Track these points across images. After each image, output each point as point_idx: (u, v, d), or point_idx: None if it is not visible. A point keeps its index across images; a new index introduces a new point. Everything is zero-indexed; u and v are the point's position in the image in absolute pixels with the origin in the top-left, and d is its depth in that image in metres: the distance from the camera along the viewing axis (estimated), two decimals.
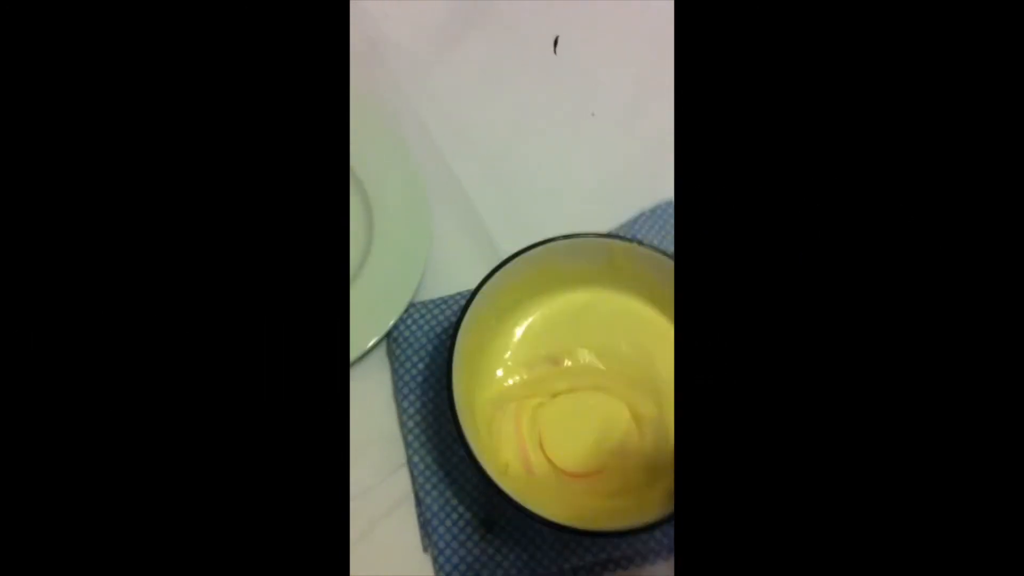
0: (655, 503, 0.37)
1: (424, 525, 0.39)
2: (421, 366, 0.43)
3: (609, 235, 0.45)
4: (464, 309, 0.39)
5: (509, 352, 0.42)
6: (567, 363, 0.42)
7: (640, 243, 0.42)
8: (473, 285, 0.45)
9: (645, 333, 0.43)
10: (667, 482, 0.38)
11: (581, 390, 0.42)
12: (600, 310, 0.44)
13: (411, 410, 0.42)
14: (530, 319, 0.43)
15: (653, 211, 0.50)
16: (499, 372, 0.42)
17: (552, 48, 0.55)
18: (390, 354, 0.44)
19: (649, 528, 0.34)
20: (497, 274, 0.40)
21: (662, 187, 0.50)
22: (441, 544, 0.38)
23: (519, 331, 0.43)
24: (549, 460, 0.39)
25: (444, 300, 0.45)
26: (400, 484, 0.40)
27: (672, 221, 0.49)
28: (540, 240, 0.41)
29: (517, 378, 0.42)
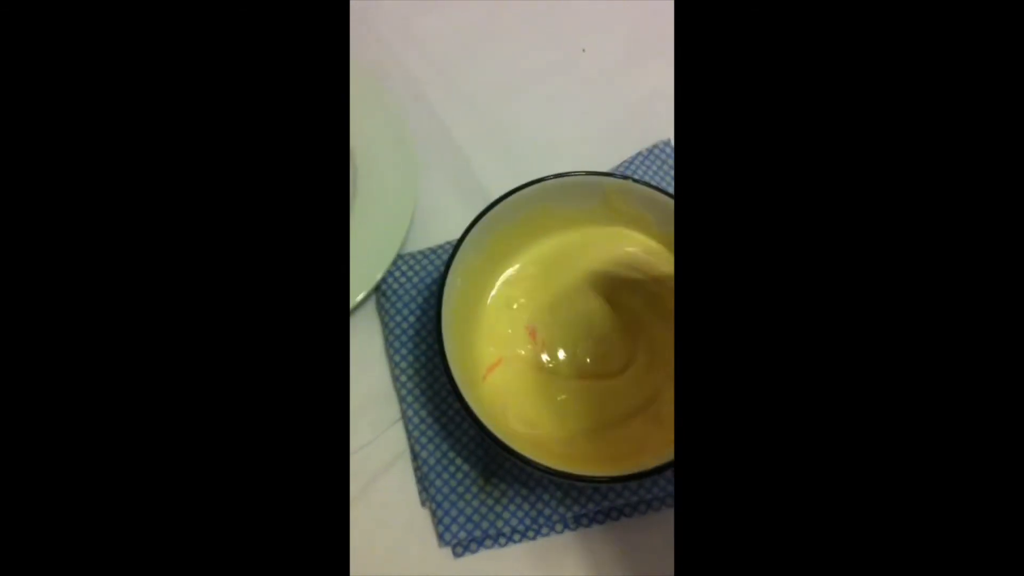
0: (656, 443, 0.36)
1: (421, 479, 0.38)
2: (412, 319, 0.42)
3: (602, 173, 0.43)
4: (452, 255, 0.37)
5: (503, 297, 0.41)
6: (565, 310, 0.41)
7: (635, 180, 0.40)
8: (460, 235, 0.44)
9: (645, 266, 0.41)
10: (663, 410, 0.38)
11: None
12: (596, 248, 0.42)
13: (403, 364, 0.41)
14: (523, 261, 0.42)
15: (650, 151, 0.48)
16: (493, 318, 0.40)
17: None
18: (379, 308, 0.43)
19: (650, 474, 0.33)
20: (486, 217, 0.39)
21: (659, 127, 0.48)
22: (439, 497, 0.37)
23: (512, 273, 0.42)
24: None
25: (433, 250, 0.44)
26: (396, 439, 0.39)
27: (670, 160, 0.48)
28: (530, 180, 0.40)
29: (513, 322, 0.41)
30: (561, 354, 0.40)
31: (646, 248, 0.42)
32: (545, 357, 0.40)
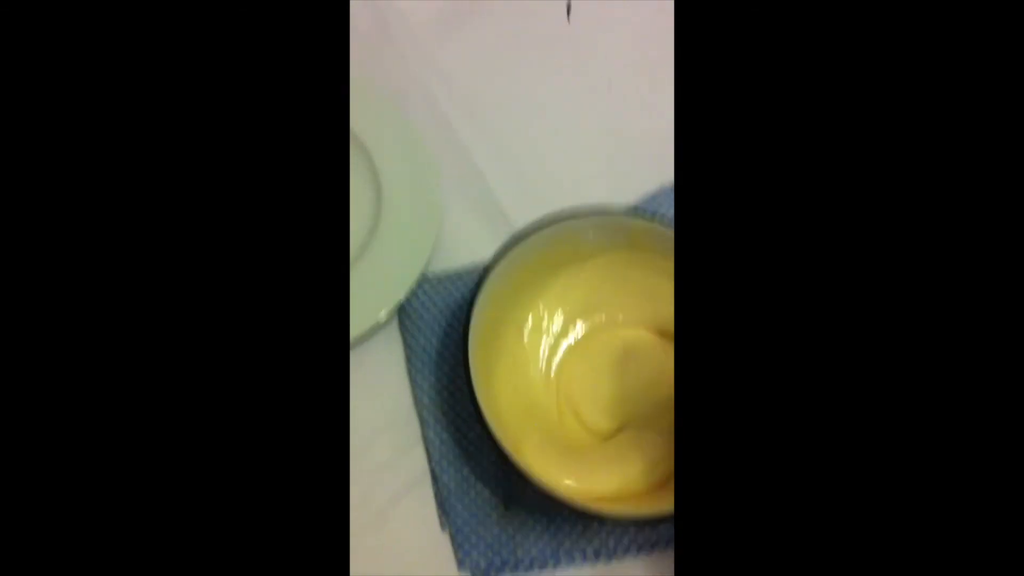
0: None
1: (441, 503, 0.37)
2: (435, 341, 0.42)
3: (629, 212, 0.43)
4: (479, 283, 0.37)
5: (529, 324, 0.41)
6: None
7: (661, 222, 0.40)
8: (485, 258, 0.43)
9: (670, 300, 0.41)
10: None
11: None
12: (624, 275, 0.42)
13: (425, 386, 0.40)
14: (549, 291, 0.42)
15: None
16: (518, 344, 0.40)
17: (566, 16, 0.54)
18: (402, 328, 0.42)
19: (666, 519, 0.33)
20: (513, 250, 0.39)
21: None
22: (459, 522, 0.36)
23: (539, 304, 0.41)
24: (579, 419, 0.38)
25: (458, 274, 0.44)
26: (416, 461, 0.38)
27: None
28: (557, 211, 0.40)
29: (539, 346, 0.41)
30: (597, 413, 0.39)
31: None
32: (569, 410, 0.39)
